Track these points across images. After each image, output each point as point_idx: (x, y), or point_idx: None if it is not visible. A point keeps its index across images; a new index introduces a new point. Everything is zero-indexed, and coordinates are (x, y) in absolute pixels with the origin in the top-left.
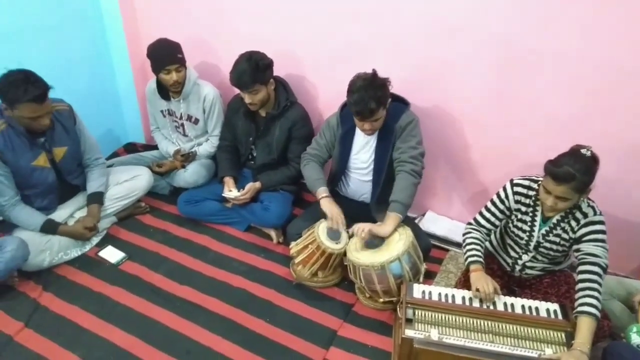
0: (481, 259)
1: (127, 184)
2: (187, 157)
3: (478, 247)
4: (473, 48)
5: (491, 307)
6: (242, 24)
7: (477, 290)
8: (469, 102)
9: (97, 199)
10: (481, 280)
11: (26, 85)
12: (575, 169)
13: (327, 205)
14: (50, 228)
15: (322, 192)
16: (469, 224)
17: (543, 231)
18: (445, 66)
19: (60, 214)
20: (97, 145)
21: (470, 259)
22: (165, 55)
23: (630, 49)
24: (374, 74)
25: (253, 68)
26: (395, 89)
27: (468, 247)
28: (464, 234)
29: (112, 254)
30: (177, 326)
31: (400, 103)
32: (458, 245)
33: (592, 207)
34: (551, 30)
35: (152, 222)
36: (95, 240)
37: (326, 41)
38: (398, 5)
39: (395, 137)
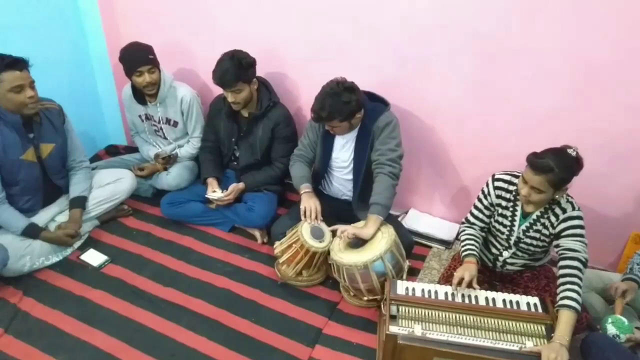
0: (475, 252)
1: (109, 186)
2: (169, 160)
3: (472, 242)
4: (452, 46)
5: (473, 302)
6: (223, 24)
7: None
8: (449, 99)
9: (79, 203)
10: (463, 270)
11: (1, 57)
12: (555, 163)
13: (305, 199)
14: (32, 233)
15: (303, 189)
16: (462, 222)
17: (523, 227)
18: (425, 64)
19: (41, 217)
20: (83, 149)
21: (464, 253)
22: (136, 57)
23: (608, 44)
24: (347, 86)
25: (236, 66)
26: (375, 87)
27: (462, 242)
28: (458, 232)
29: (94, 258)
30: (162, 328)
31: (380, 103)
32: (441, 242)
33: (571, 203)
34: (529, 26)
35: (135, 224)
36: (77, 244)
37: (307, 41)
38: (378, 5)
39: (373, 138)
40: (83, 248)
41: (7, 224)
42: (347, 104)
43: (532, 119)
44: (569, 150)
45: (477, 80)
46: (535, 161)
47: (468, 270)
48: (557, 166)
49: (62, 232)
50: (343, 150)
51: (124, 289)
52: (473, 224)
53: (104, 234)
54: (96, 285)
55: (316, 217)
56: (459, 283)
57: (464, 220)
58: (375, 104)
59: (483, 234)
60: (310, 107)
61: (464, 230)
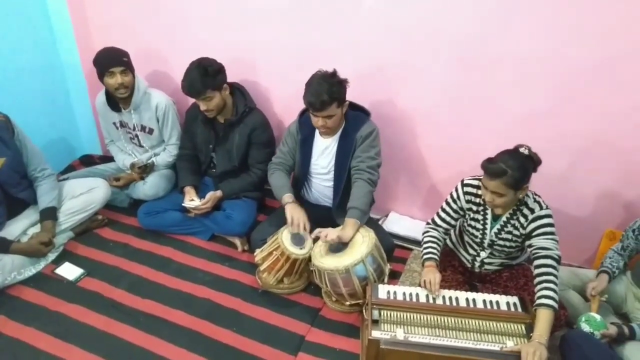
0: (435, 256)
1: (83, 197)
2: (145, 169)
3: (434, 245)
4: (430, 52)
5: (454, 303)
6: (198, 31)
7: (424, 282)
8: (427, 104)
9: (50, 214)
10: (429, 274)
11: None
12: (507, 165)
13: (290, 209)
14: (1, 247)
15: (286, 199)
16: (428, 224)
17: (495, 229)
18: (402, 70)
19: (11, 231)
20: (42, 156)
21: (425, 256)
22: (109, 58)
23: (585, 50)
24: (334, 72)
25: (202, 74)
26: (353, 92)
27: (425, 245)
28: (422, 233)
29: (69, 271)
30: (142, 342)
31: (361, 113)
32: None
33: (538, 202)
34: (508, 31)
35: (111, 235)
36: (51, 256)
37: (284, 47)
38: (353, 10)
39: (355, 146)
40: (57, 261)
41: None
42: (340, 84)
43: (510, 123)
44: (521, 149)
45: (454, 86)
46: (489, 167)
47: (432, 273)
48: (510, 167)
49: (34, 240)
50: (322, 156)
51: (101, 302)
52: (439, 226)
53: (80, 246)
54: (72, 299)
55: (304, 228)
56: (432, 286)
57: (429, 221)
58: (356, 112)
59: (446, 236)
60: (304, 100)
61: (427, 232)
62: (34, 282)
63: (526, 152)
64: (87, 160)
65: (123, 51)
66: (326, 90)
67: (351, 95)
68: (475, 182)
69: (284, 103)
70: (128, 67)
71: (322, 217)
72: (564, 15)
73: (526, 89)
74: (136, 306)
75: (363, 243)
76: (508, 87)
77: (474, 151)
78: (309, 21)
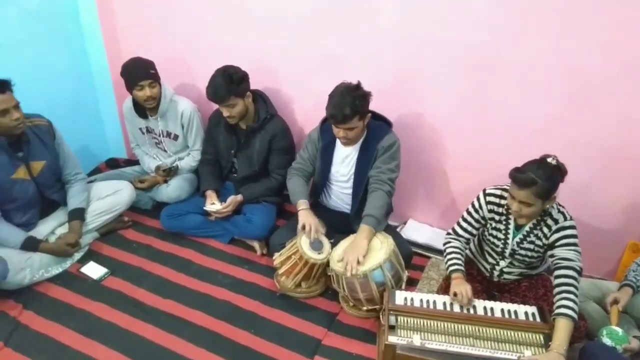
0: (461, 267)
1: (109, 198)
2: (169, 172)
3: (458, 256)
4: (446, 60)
5: (471, 312)
6: (221, 39)
7: (455, 294)
8: (444, 112)
9: (78, 215)
10: (460, 286)
11: None
12: (537, 175)
13: (303, 215)
14: (31, 245)
15: (300, 205)
16: (448, 233)
17: (517, 239)
18: (419, 78)
19: (41, 230)
20: (77, 161)
21: (451, 268)
22: (137, 72)
23: (599, 57)
24: (358, 84)
25: (227, 82)
26: (372, 100)
27: (449, 256)
28: (444, 244)
29: (94, 270)
30: (162, 341)
31: (384, 123)
32: (439, 252)
33: (563, 213)
34: (523, 39)
35: (134, 236)
36: (77, 256)
37: (304, 55)
38: (373, 19)
39: (376, 156)
40: (83, 261)
41: (5, 240)
42: (364, 97)
43: (526, 130)
44: (549, 160)
45: (470, 94)
46: (518, 176)
47: (462, 285)
48: (540, 177)
49: (62, 241)
50: (343, 164)
51: (124, 301)
52: (460, 236)
53: (104, 246)
54: (96, 297)
55: (316, 234)
56: (463, 299)
57: (450, 231)
58: (379, 122)
59: (467, 245)
60: (327, 113)
61: (449, 242)
62: (60, 280)
63: (554, 162)
64: (113, 163)
65: (149, 62)
66: (349, 103)
67: (370, 103)
68: (498, 192)
69: (304, 110)
70: (155, 79)
71: (339, 223)
72: (579, 24)
73: (541, 97)
74: (157, 306)
75: (381, 249)
76: (524, 94)
77: (492, 160)
78: (329, 30)
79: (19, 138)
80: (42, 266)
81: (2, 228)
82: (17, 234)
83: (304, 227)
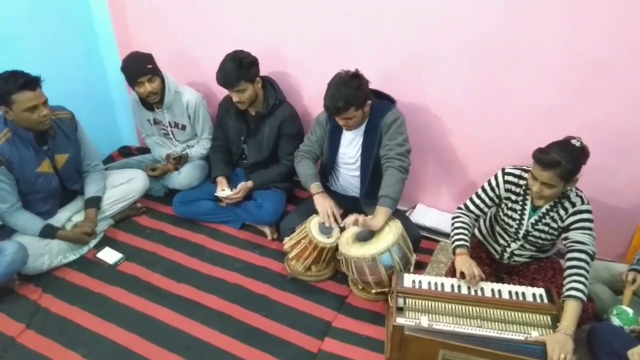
0: (467, 243)
1: (123, 186)
2: (180, 160)
3: (465, 232)
4: (456, 43)
5: (479, 294)
6: (228, 25)
7: (462, 274)
8: (454, 96)
9: (94, 203)
10: (466, 263)
11: (14, 77)
12: (561, 157)
13: (319, 200)
14: (49, 233)
15: (315, 188)
16: (459, 208)
17: (532, 220)
18: (427, 62)
19: (59, 218)
20: (96, 152)
21: (456, 242)
22: (134, 69)
23: (607, 40)
24: (354, 74)
25: (237, 66)
26: (380, 85)
27: (455, 230)
28: (452, 218)
29: (110, 255)
30: (176, 323)
31: (387, 101)
32: (448, 236)
33: (580, 197)
34: (530, 25)
35: (148, 223)
36: (93, 242)
37: (311, 40)
38: (381, 3)
39: (380, 135)
40: (99, 246)
41: (24, 228)
42: (359, 88)
43: (536, 114)
44: (573, 141)
45: (479, 77)
46: (542, 157)
47: (468, 262)
48: (564, 159)
49: (78, 230)
50: (350, 146)
51: (139, 285)
52: (471, 212)
53: (119, 232)
54: (112, 282)
55: (335, 219)
56: (472, 278)
57: (461, 206)
58: (382, 101)
59: (476, 223)
60: (323, 103)
61: (458, 217)
62: (77, 265)
63: (578, 144)
64: (125, 151)
65: (146, 57)
66: (342, 96)
67: (376, 84)
68: (517, 172)
69: (313, 96)
70: (154, 73)
71: (349, 206)
72: (587, 7)
73: (551, 80)
74: (171, 290)
75: (390, 233)
76: (532, 78)
77: (502, 144)
78: (336, 14)
79: (45, 132)
80: (60, 252)
81: (21, 217)
82: (35, 222)
83: (323, 212)
